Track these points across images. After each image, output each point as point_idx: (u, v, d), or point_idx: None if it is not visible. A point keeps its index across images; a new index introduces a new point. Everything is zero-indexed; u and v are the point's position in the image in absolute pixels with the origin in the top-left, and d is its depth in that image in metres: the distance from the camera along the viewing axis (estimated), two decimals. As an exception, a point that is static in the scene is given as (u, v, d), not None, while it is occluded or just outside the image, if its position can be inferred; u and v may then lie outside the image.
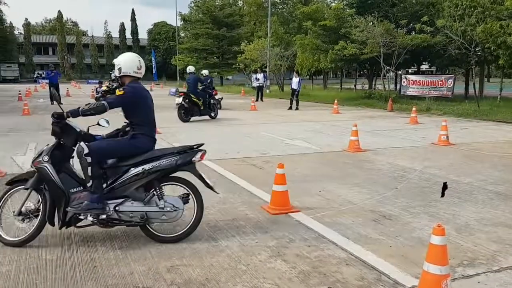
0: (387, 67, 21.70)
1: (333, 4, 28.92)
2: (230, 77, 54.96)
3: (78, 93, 31.16)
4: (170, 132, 11.21)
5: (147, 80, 58.25)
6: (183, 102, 13.70)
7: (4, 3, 59.61)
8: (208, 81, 15.88)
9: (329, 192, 5.73)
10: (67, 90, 27.71)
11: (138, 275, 3.37)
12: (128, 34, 72.17)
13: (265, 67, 30.13)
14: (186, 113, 13.77)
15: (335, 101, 17.88)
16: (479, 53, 19.63)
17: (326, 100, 23.29)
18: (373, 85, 28.14)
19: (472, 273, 3.43)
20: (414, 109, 14.15)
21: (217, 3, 48.33)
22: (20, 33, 68.96)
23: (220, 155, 8.24)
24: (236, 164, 7.41)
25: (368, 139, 10.08)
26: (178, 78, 54.68)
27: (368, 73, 28.47)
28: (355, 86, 33.86)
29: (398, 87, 24.42)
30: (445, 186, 5.56)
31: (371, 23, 21.97)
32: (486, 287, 3.23)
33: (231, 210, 4.94)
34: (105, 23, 79.01)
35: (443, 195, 5.52)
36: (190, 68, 15.36)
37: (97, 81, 27.04)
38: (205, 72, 17.53)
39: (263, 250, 3.83)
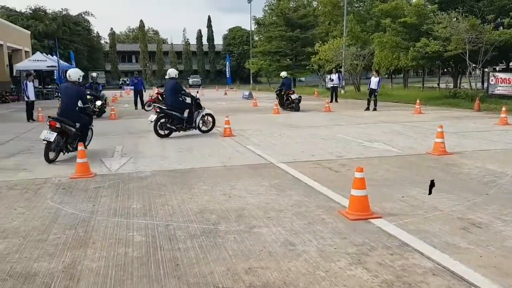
0: (473, 65, 20.30)
1: (414, 0, 27.65)
2: (303, 79, 54.74)
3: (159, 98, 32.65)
4: (244, 135, 11.37)
5: (222, 84, 59.97)
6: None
7: (91, 14, 64.59)
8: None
9: (412, 197, 5.44)
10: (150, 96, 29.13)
11: (217, 275, 3.42)
12: (204, 41, 74.70)
13: (340, 67, 29.55)
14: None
15: (417, 101, 17.03)
16: None
17: (406, 100, 22.32)
18: (458, 84, 26.50)
19: None
20: (504, 109, 13.06)
21: (291, 5, 48.38)
22: (106, 42, 74.00)
23: (294, 157, 8.19)
24: (311, 167, 7.31)
25: (454, 141, 9.48)
26: (251, 81, 55.57)
27: (452, 71, 26.82)
28: (438, 84, 32.09)
29: (485, 85, 22.80)
30: (432, 184, 5.33)
31: (455, 18, 20.72)
32: None
33: (307, 214, 4.86)
34: (183, 31, 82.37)
35: (430, 192, 5.36)
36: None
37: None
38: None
39: (343, 257, 3.71)
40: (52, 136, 7.96)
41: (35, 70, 28.21)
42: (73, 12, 59.27)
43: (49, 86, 32.59)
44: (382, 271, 3.43)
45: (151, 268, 3.58)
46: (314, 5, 50.54)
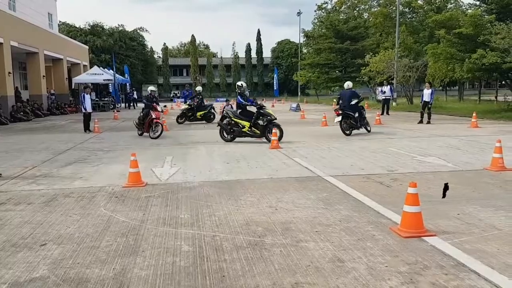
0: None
1: (469, 10, 26.62)
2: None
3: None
4: (291, 147, 11.31)
5: (269, 96, 60.34)
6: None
7: (146, 30, 67.44)
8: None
9: (468, 215, 5.15)
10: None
11: (263, 289, 3.37)
12: (253, 54, 75.63)
13: (392, 79, 28.91)
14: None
15: (474, 114, 16.28)
16: None
17: (462, 113, 21.43)
18: (517, 97, 25.12)
19: None
20: None
21: (341, 17, 48.03)
22: (159, 57, 76.69)
23: (343, 171, 8.02)
24: (361, 181, 7.12)
25: (514, 156, 8.94)
26: (299, 93, 55.50)
27: (511, 84, 25.50)
28: (495, 97, 30.60)
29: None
30: (446, 187, 5.17)
31: (514, 29, 19.76)
32: None
33: (356, 230, 4.71)
34: (233, 44, 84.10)
35: (444, 196, 5.30)
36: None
37: (225, 99, 28.79)
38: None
39: (394, 276, 3.55)
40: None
41: (92, 83, 29.65)
42: (129, 28, 62.27)
43: (105, 99, 34.08)
44: (436, 292, 3.25)
45: (197, 278, 3.59)
46: (365, 17, 49.92)
